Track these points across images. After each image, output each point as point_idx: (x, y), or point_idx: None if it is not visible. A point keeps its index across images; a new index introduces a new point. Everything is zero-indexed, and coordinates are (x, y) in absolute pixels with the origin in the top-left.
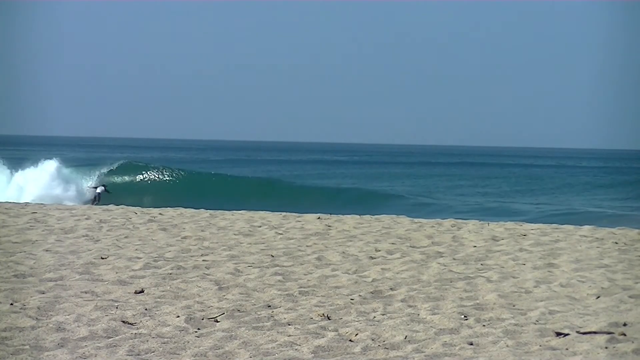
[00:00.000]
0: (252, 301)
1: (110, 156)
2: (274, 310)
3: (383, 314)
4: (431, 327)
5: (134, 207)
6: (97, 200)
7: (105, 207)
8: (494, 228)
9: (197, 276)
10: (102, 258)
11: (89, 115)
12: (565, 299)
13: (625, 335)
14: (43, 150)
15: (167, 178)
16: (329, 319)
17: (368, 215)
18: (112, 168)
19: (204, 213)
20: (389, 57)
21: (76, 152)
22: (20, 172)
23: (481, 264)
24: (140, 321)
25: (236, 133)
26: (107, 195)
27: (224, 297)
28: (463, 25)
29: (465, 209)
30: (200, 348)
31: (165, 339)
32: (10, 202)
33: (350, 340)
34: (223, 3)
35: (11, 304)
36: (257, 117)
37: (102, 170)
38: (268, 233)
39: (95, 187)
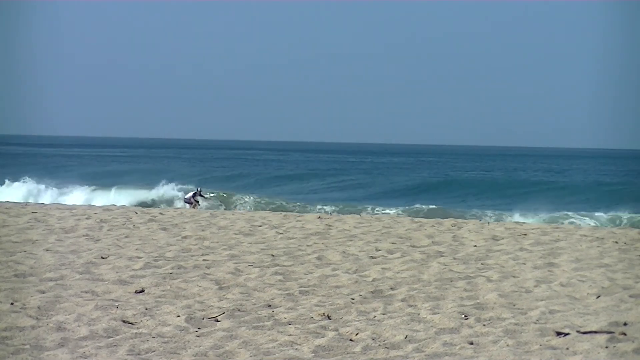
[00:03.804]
0: (253, 301)
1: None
2: (274, 309)
3: (383, 314)
4: (431, 326)
5: (134, 207)
6: (193, 205)
7: (105, 206)
8: (494, 227)
9: (198, 276)
10: (103, 257)
11: (91, 115)
12: (566, 299)
13: (625, 334)
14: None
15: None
16: (329, 318)
17: (368, 215)
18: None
19: (204, 212)
20: (388, 58)
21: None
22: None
23: (481, 264)
24: (141, 321)
25: (232, 133)
26: (204, 199)
27: (225, 296)
28: (461, 25)
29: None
30: (201, 347)
31: (166, 339)
32: (10, 202)
33: (350, 340)
34: (227, 3)
35: (11, 304)
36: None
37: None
38: (268, 233)
39: (189, 198)
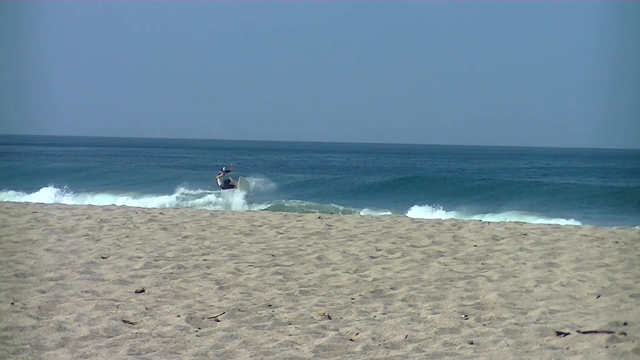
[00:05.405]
0: (253, 300)
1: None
2: (274, 309)
3: (384, 314)
4: (432, 326)
5: (134, 207)
6: (230, 186)
7: (105, 206)
8: (495, 227)
9: (198, 275)
10: (103, 257)
11: (91, 115)
12: (566, 299)
13: (625, 334)
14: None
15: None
16: (329, 318)
17: (369, 215)
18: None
19: (205, 212)
20: (390, 59)
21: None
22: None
23: (482, 264)
24: (141, 320)
25: (235, 133)
26: (233, 174)
27: (225, 296)
28: (461, 25)
29: None
30: (201, 347)
31: (166, 339)
32: (11, 202)
33: (350, 340)
34: (228, 3)
35: (12, 304)
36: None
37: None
38: (269, 232)
39: (226, 183)
